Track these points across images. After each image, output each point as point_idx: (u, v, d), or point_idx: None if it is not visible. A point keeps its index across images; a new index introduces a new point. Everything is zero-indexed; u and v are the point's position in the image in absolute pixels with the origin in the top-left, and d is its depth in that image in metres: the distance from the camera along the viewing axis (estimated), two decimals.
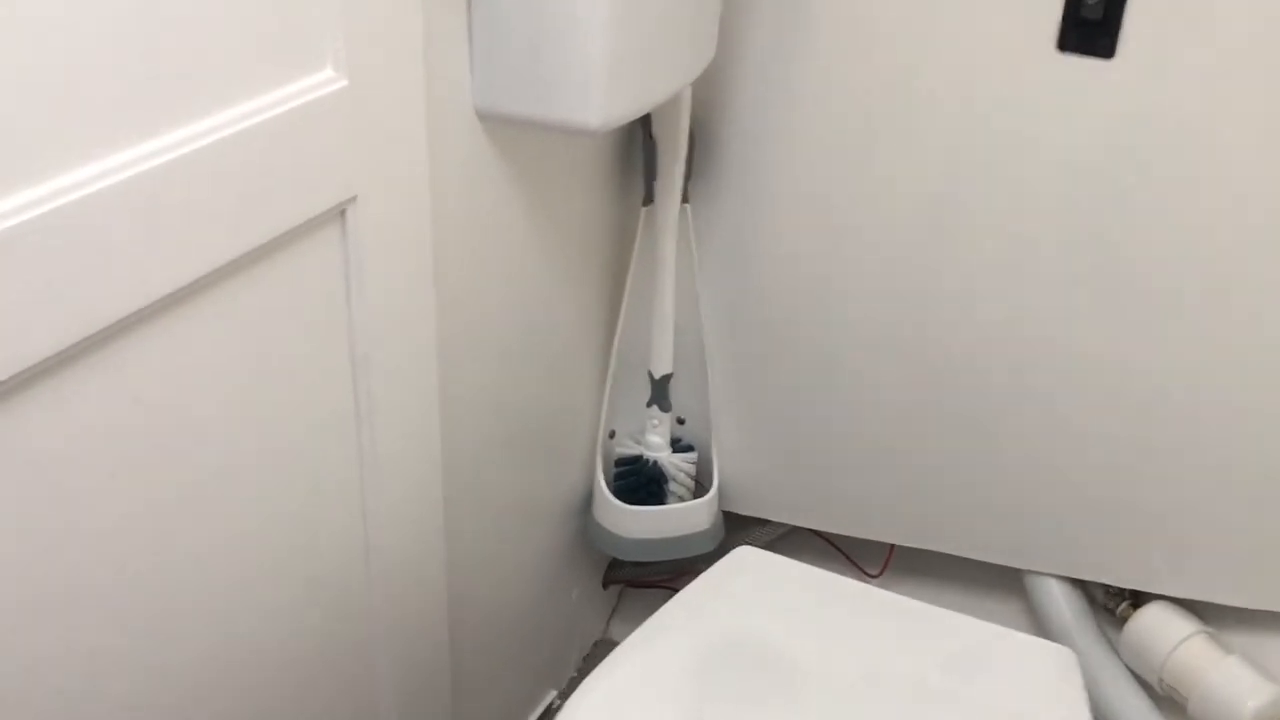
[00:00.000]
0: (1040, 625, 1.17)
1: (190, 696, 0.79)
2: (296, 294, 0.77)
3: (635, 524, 1.26)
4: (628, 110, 0.94)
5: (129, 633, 0.72)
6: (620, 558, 1.30)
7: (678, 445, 1.30)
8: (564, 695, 1.41)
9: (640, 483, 1.28)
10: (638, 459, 1.28)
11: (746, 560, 1.05)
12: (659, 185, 1.16)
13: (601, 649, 1.48)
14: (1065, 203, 1.02)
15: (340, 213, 0.78)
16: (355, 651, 0.97)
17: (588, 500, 1.31)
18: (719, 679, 0.91)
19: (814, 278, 1.16)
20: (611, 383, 1.26)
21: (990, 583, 1.24)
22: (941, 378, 1.14)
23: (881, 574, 1.31)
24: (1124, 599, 1.15)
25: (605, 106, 0.90)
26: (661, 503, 1.28)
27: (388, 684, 1.02)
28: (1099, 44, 0.95)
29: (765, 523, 1.34)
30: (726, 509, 1.32)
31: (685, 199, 1.18)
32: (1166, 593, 1.11)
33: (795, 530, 1.34)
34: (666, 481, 1.28)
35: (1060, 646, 0.97)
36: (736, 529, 1.34)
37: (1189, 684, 1.06)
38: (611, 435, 1.30)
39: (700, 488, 1.30)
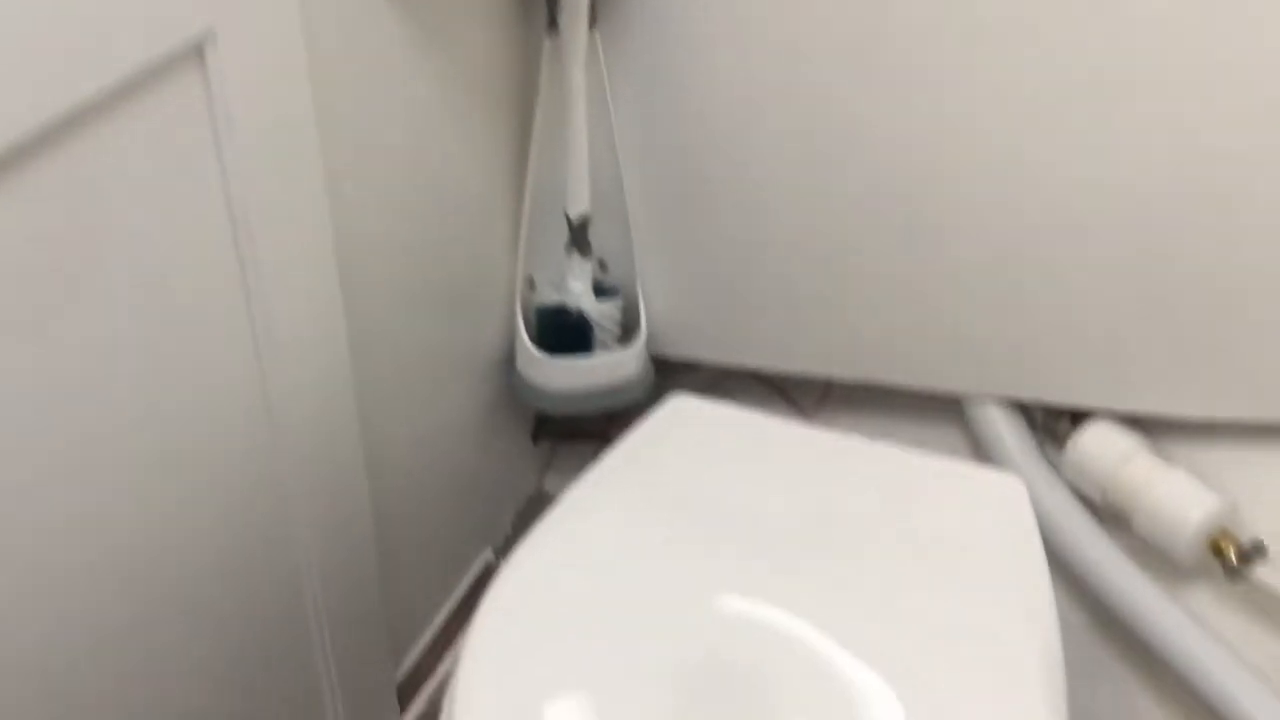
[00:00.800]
0: (981, 450, 1.15)
1: (88, 586, 0.74)
2: (157, 147, 0.68)
3: (561, 376, 1.20)
4: None
5: (14, 525, 0.65)
6: (548, 411, 1.25)
7: (601, 291, 1.24)
8: (499, 553, 1.38)
9: (564, 332, 1.22)
10: (560, 307, 1.22)
11: (681, 409, 1.01)
12: (562, 9, 1.07)
13: (535, 504, 1.44)
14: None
15: (198, 52, 0.68)
16: (269, 525, 0.92)
17: (510, 353, 1.25)
18: (660, 533, 0.87)
19: (737, 99, 1.08)
20: (526, 227, 1.19)
21: (931, 411, 1.21)
22: (873, 200, 1.08)
23: (820, 409, 1.28)
24: (1065, 418, 1.12)
25: None
26: (588, 352, 1.22)
27: (308, 554, 0.97)
28: None
29: (697, 365, 1.29)
30: (656, 354, 1.27)
31: (593, 24, 1.09)
32: (1108, 408, 1.09)
33: (729, 371, 1.29)
34: (591, 329, 1.22)
35: (1008, 475, 0.95)
36: (667, 373, 1.29)
37: (1133, 500, 1.04)
38: (530, 284, 1.24)
39: (627, 334, 1.24)
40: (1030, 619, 0.82)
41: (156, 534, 0.79)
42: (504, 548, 1.39)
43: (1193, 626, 1.02)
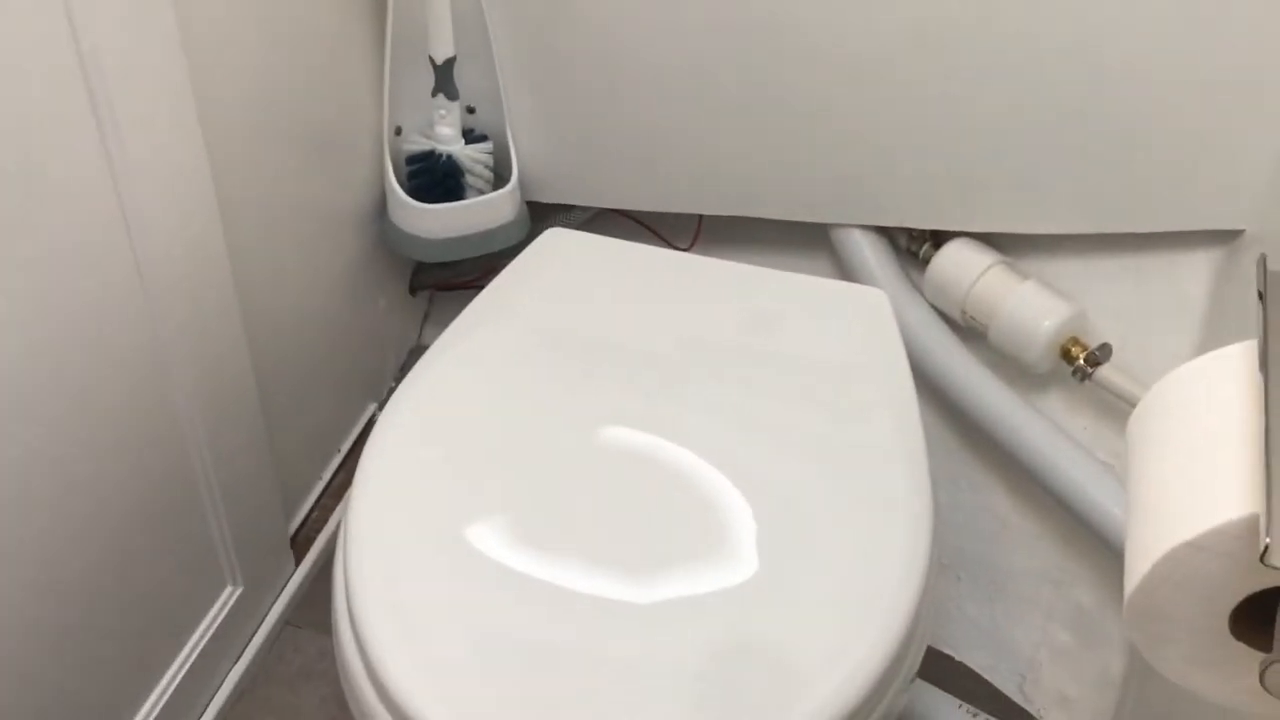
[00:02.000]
0: (848, 274, 1.19)
1: None
2: None
3: (435, 223, 1.20)
4: None
5: None
6: (423, 260, 1.25)
7: (471, 136, 1.23)
8: (384, 407, 1.39)
9: (435, 179, 1.21)
10: (430, 154, 1.21)
11: (556, 242, 1.02)
12: None
13: (417, 357, 1.44)
14: None
15: None
16: (150, 390, 0.91)
17: (382, 204, 1.24)
18: (538, 364, 0.89)
19: None
20: (390, 72, 1.17)
21: (798, 243, 1.24)
22: (735, 37, 1.09)
23: (692, 247, 1.30)
24: (925, 241, 1.17)
25: None
26: (460, 198, 1.22)
27: (192, 416, 0.97)
28: None
29: (571, 209, 1.30)
30: (529, 199, 1.27)
31: None
32: (964, 229, 1.13)
33: (602, 214, 1.30)
34: (463, 175, 1.22)
35: (871, 288, 0.99)
36: (542, 219, 1.30)
37: (989, 312, 1.10)
38: (398, 132, 1.22)
39: (499, 179, 1.24)
40: (897, 426, 0.86)
41: (35, 412, 0.78)
42: (388, 401, 1.39)
43: (1046, 427, 1.09)
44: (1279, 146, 0.96)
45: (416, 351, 1.45)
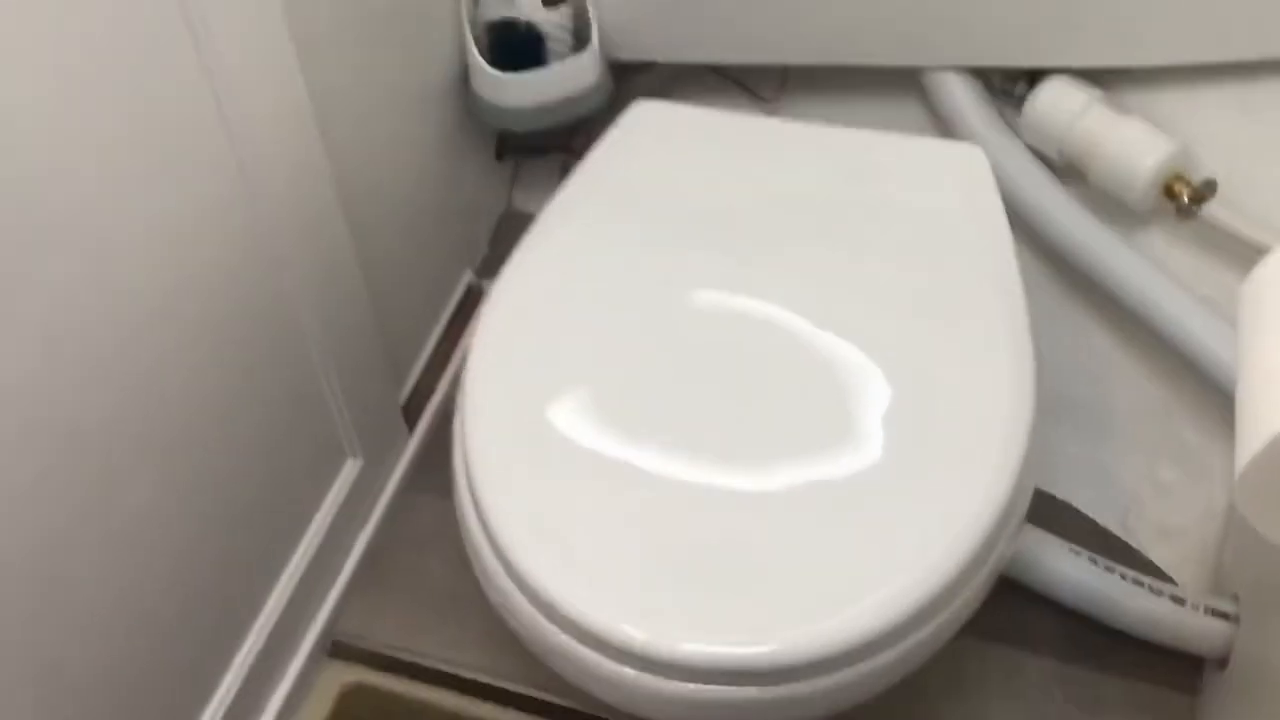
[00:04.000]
0: (941, 122, 1.16)
1: (97, 374, 0.77)
2: None
3: (518, 91, 1.20)
4: None
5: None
6: (509, 128, 1.25)
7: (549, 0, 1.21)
8: (479, 273, 1.41)
9: (516, 47, 1.20)
10: (509, 21, 1.19)
11: (644, 115, 1.01)
12: None
13: (508, 221, 1.46)
14: None
15: None
16: (257, 274, 0.94)
17: (465, 74, 1.24)
18: (637, 242, 0.90)
19: None
20: None
21: (890, 87, 1.21)
22: None
23: (780, 97, 1.28)
24: (1021, 81, 1.13)
25: None
26: (542, 64, 1.21)
27: (302, 300, 1.00)
28: None
29: (653, 66, 1.28)
30: (611, 57, 1.25)
31: None
32: (1062, 65, 1.10)
33: (685, 70, 1.28)
34: (543, 41, 1.20)
35: (969, 144, 0.97)
36: (624, 76, 1.28)
37: (1089, 152, 1.07)
38: (476, 1, 1.21)
39: (580, 42, 1.23)
40: (996, 282, 0.86)
41: (151, 303, 0.82)
42: (482, 268, 1.42)
43: (1147, 266, 1.07)
44: None
45: (507, 216, 1.47)
